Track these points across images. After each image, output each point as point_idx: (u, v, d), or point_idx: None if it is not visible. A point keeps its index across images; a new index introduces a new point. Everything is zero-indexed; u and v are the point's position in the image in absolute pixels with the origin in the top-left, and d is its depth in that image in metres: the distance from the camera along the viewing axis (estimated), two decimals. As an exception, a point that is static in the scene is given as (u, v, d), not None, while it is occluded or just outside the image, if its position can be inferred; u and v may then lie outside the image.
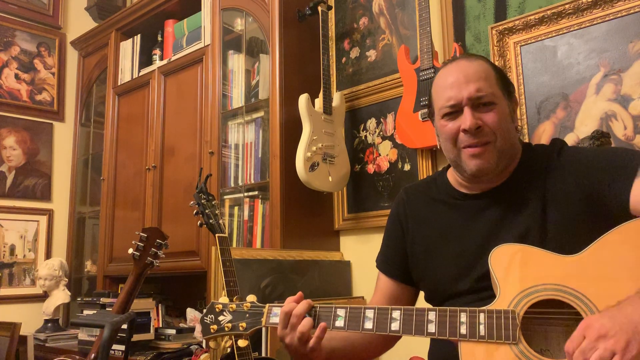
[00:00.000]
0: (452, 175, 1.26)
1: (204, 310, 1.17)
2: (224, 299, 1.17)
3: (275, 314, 1.12)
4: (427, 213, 1.27)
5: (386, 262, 1.34)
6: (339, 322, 1.08)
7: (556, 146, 1.18)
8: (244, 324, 1.13)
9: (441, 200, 1.26)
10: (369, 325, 1.06)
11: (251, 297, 1.17)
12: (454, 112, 1.14)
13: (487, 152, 1.12)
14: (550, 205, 1.10)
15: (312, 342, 1.06)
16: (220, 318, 1.15)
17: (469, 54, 1.22)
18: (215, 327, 1.14)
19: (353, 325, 1.07)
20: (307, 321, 1.07)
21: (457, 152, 1.16)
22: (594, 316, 0.88)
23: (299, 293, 1.13)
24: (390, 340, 1.29)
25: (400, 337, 1.27)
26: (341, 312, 1.09)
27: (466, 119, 1.12)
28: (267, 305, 1.15)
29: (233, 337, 1.29)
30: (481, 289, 1.11)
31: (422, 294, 1.32)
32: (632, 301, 0.88)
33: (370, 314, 1.07)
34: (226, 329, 1.14)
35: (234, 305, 1.15)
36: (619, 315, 0.85)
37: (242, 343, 1.17)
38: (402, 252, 1.29)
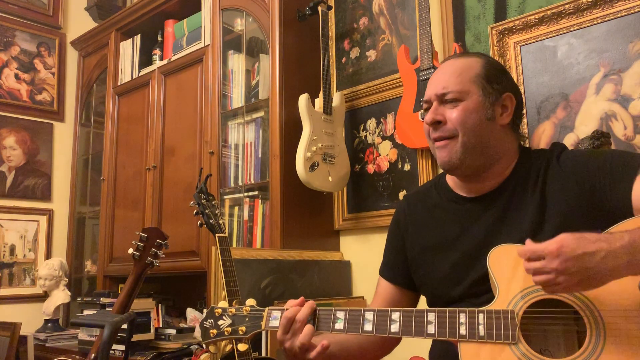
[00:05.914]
0: (450, 177, 1.27)
1: (204, 315, 1.17)
2: (223, 303, 1.17)
3: (275, 317, 1.12)
4: (426, 219, 1.28)
5: (387, 268, 1.35)
6: (339, 325, 1.08)
7: (556, 150, 1.18)
8: (243, 328, 1.13)
9: (440, 205, 1.27)
10: (368, 327, 1.06)
11: (250, 301, 1.17)
12: (428, 107, 1.20)
13: (450, 145, 1.15)
14: (549, 208, 1.10)
15: (312, 354, 1.06)
16: (220, 322, 1.14)
17: (468, 52, 1.24)
18: (214, 331, 1.14)
19: (353, 328, 1.07)
20: (308, 329, 1.07)
21: (432, 145, 1.20)
22: (568, 245, 0.87)
23: (301, 298, 1.13)
24: (387, 347, 1.29)
25: (397, 344, 1.29)
26: (341, 315, 1.08)
27: (428, 113, 1.19)
28: (267, 308, 1.14)
29: (233, 341, 1.28)
30: (480, 293, 1.11)
31: (423, 298, 1.32)
32: (613, 242, 0.87)
33: (369, 316, 1.07)
34: (226, 333, 1.14)
35: (233, 309, 1.15)
36: (588, 257, 0.86)
37: (242, 347, 1.17)
38: (403, 259, 1.31)
